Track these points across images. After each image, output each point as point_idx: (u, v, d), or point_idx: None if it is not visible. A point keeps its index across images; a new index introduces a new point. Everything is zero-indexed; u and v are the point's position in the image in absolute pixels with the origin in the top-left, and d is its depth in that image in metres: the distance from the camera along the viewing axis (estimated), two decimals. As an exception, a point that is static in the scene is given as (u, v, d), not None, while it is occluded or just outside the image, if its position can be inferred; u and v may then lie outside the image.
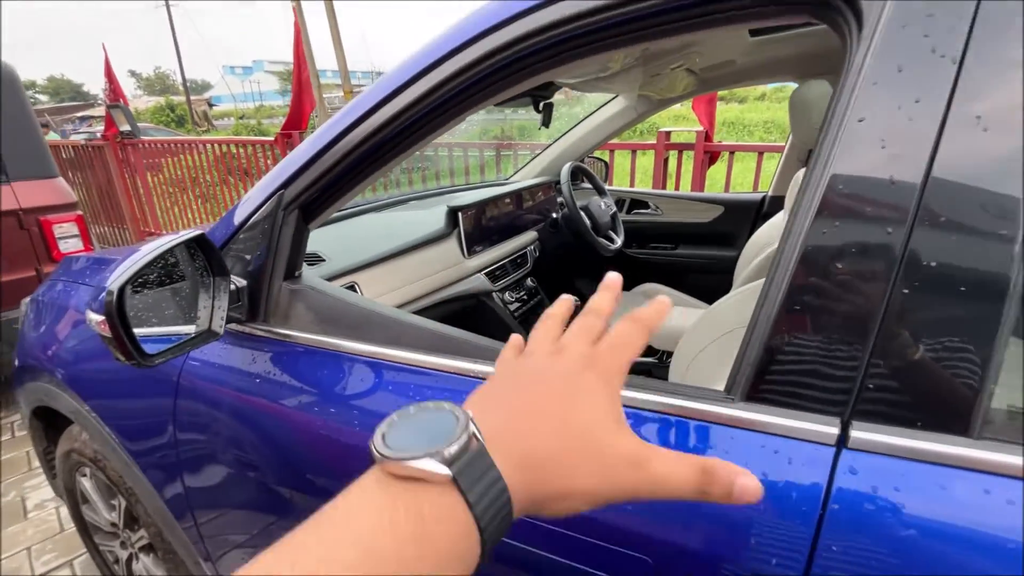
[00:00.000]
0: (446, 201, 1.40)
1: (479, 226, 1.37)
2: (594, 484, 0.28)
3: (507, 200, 1.51)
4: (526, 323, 1.49)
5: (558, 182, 1.59)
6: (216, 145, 4.33)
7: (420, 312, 1.14)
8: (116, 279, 0.57)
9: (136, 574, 1.24)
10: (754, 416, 0.43)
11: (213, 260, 0.71)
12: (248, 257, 0.78)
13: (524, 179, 1.86)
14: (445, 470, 0.24)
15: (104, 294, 0.56)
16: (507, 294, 1.43)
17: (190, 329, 0.71)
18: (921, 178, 0.38)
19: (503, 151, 3.15)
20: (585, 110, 1.82)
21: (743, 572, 0.41)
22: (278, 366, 0.75)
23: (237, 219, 0.80)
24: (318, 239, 1.13)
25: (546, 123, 1.19)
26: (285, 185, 0.75)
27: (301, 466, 0.71)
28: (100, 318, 0.56)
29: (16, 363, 1.21)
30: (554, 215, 1.53)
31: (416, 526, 0.23)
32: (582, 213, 1.46)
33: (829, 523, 0.39)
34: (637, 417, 0.48)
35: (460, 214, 1.30)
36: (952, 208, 0.37)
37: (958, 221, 0.37)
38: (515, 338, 0.39)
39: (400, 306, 1.11)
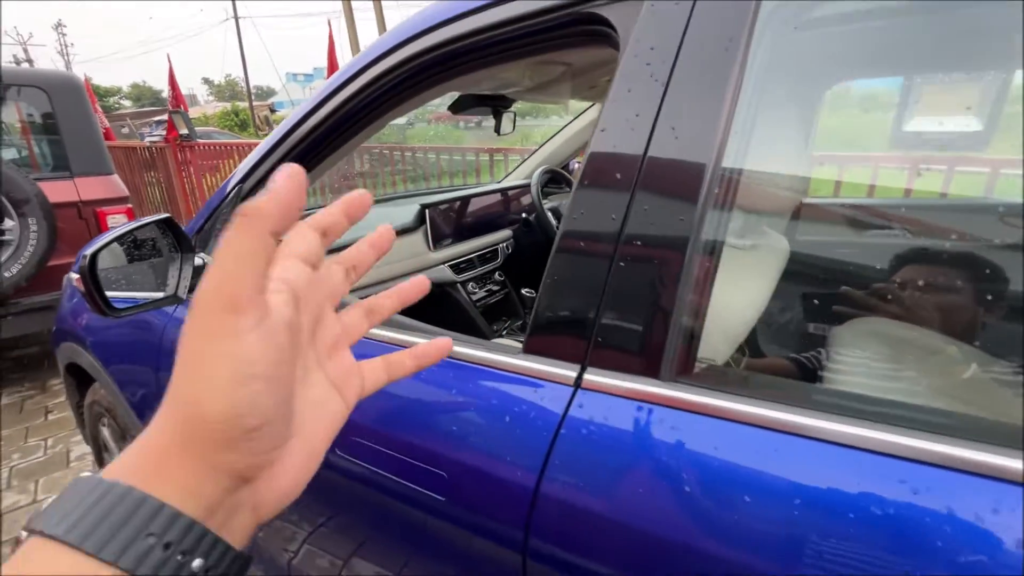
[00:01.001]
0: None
1: (448, 222, 1.51)
2: None
3: (480, 200, 1.64)
4: (490, 313, 1.61)
5: (538, 184, 1.70)
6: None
7: (380, 296, 1.28)
8: (90, 247, 0.74)
9: (142, 513, 1.44)
10: (529, 364, 0.54)
11: (181, 238, 0.88)
12: (218, 236, 0.95)
13: (513, 182, 1.99)
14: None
15: (80, 258, 0.73)
16: (471, 285, 1.56)
17: (160, 295, 0.88)
18: (635, 176, 0.48)
19: (510, 155, 3.29)
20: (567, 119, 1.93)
21: (505, 477, 0.52)
22: (233, 329, 0.91)
23: (211, 205, 0.98)
24: (294, 229, 1.29)
25: (497, 130, 1.32)
26: (243, 180, 0.92)
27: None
28: (77, 277, 0.74)
29: (55, 327, 1.44)
30: (524, 215, 1.65)
31: None
32: (549, 214, 1.57)
33: (559, 443, 0.49)
34: (456, 367, 0.60)
35: (428, 210, 1.44)
36: (653, 199, 0.47)
37: (656, 210, 0.47)
38: None
39: (358, 288, 1.26)
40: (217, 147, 5.38)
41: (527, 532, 0.50)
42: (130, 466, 0.22)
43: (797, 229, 1.01)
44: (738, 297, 0.61)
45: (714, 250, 0.48)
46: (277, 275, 0.26)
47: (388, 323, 0.71)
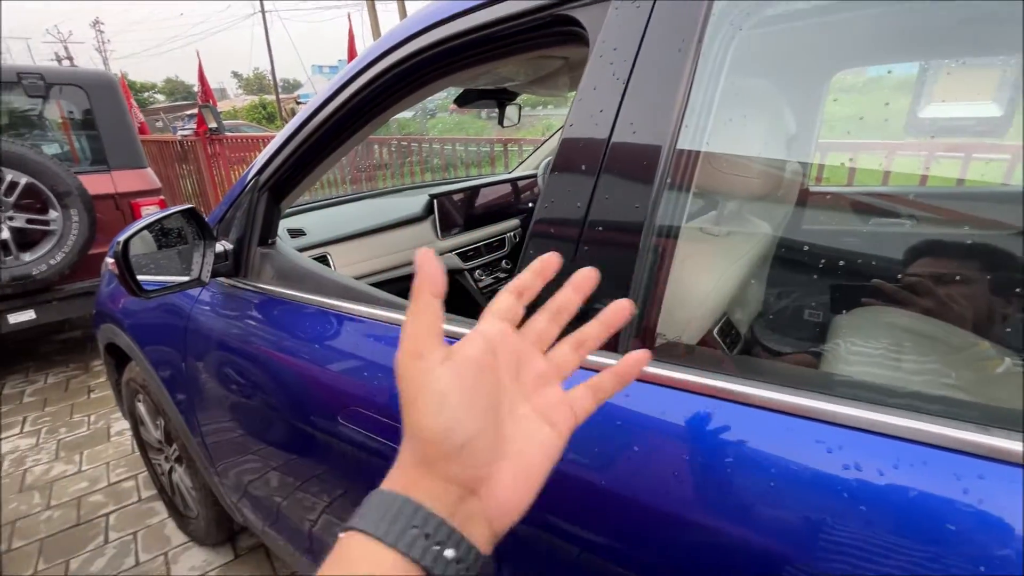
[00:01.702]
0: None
1: (456, 212, 1.56)
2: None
3: (489, 190, 1.69)
4: (496, 299, 1.66)
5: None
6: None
7: (389, 282, 1.36)
8: (123, 234, 0.82)
9: (175, 482, 1.56)
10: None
11: (203, 227, 0.96)
12: (237, 225, 1.02)
13: (523, 172, 2.03)
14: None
15: (114, 244, 0.81)
16: (479, 272, 1.62)
17: (186, 278, 0.96)
18: (598, 167, 0.53)
19: (531, 146, 3.33)
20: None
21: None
22: (251, 310, 0.98)
23: (232, 195, 1.05)
24: (309, 219, 1.37)
25: (501, 122, 1.36)
26: (260, 172, 0.99)
27: (265, 385, 0.94)
28: (112, 261, 0.82)
29: (95, 310, 1.56)
30: (532, 204, 1.69)
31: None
32: (555, 203, 1.61)
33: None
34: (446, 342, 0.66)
35: (436, 200, 1.50)
36: (613, 189, 0.52)
37: (616, 199, 0.52)
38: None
39: (367, 275, 1.33)
40: (244, 140, 5.56)
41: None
42: (395, 479, 0.30)
43: (802, 218, 1.03)
44: (706, 280, 0.65)
45: (670, 234, 0.52)
46: (476, 329, 0.33)
47: (391, 306, 0.77)
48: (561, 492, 0.50)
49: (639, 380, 0.49)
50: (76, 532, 1.67)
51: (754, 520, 0.40)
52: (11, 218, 2.28)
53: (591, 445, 0.49)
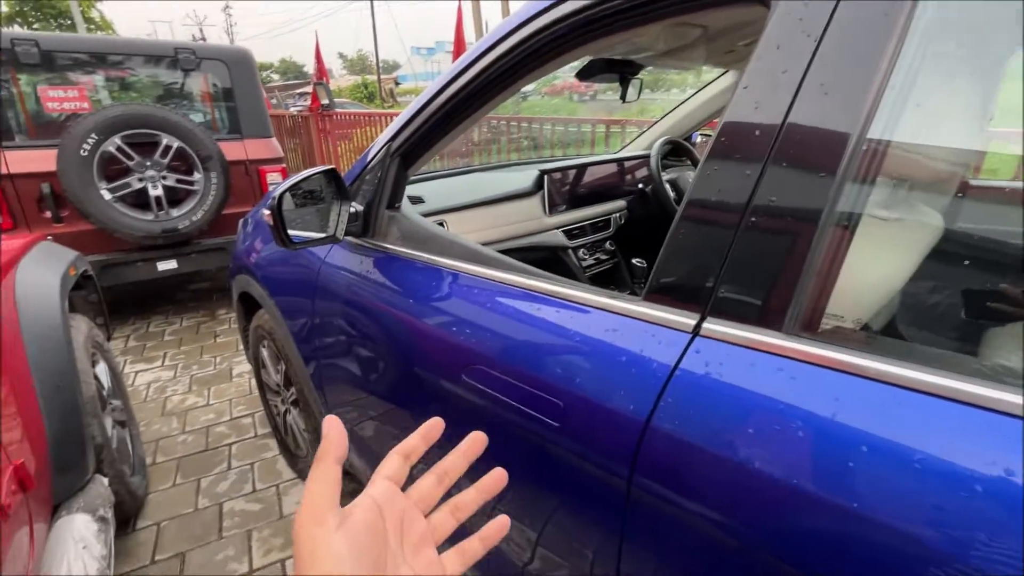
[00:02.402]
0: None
1: (564, 189, 1.55)
2: None
3: (597, 169, 1.65)
4: (597, 280, 1.64)
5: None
6: (390, 118, 5.07)
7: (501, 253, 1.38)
8: (278, 189, 0.90)
9: (288, 423, 1.72)
10: (648, 310, 0.58)
11: (340, 187, 1.02)
12: (367, 188, 1.09)
13: (631, 152, 1.97)
14: None
15: (271, 198, 0.89)
16: (582, 252, 1.60)
17: (322, 235, 1.03)
18: (776, 134, 0.49)
19: (628, 127, 3.23)
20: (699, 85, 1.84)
21: (617, 409, 0.57)
22: (378, 268, 1.04)
23: (362, 164, 1.11)
24: (426, 188, 1.42)
25: (623, 98, 1.31)
26: (393, 138, 1.04)
27: (388, 339, 0.99)
28: (268, 213, 0.90)
29: (232, 263, 1.74)
30: (640, 186, 1.64)
31: None
32: (667, 186, 1.54)
33: (673, 384, 0.53)
34: (578, 310, 0.65)
35: (546, 176, 1.49)
36: (793, 159, 0.48)
37: (795, 169, 0.48)
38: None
39: (493, 242, 1.36)
40: (352, 116, 5.88)
41: (634, 462, 0.55)
42: None
43: (962, 209, 0.91)
44: (875, 267, 0.59)
45: (852, 215, 0.47)
46: (367, 491, 0.36)
47: (518, 271, 0.78)
48: (711, 481, 0.48)
49: (811, 363, 0.46)
50: (205, 456, 1.90)
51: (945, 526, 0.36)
52: (164, 177, 2.59)
53: (752, 431, 0.47)
